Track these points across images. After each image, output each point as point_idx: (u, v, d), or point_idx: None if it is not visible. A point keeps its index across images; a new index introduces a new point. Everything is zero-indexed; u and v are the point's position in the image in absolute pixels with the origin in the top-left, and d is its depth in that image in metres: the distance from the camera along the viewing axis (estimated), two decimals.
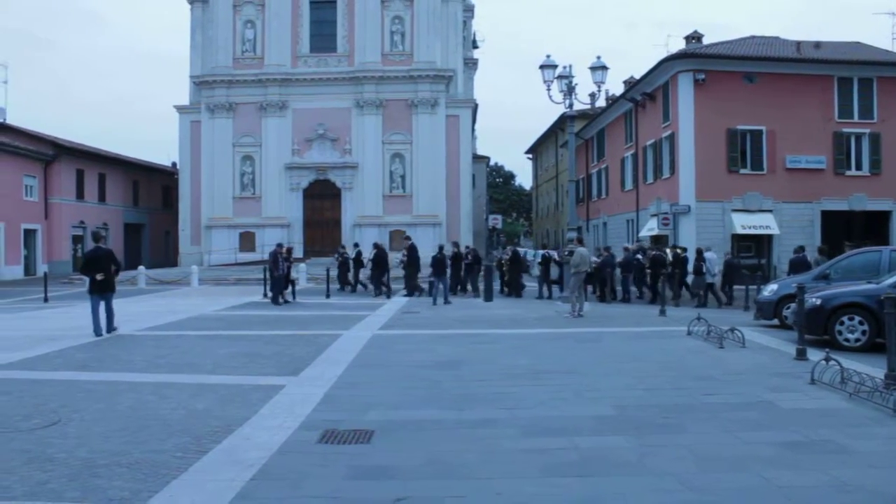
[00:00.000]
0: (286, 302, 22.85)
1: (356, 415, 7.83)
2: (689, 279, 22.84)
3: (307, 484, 5.65)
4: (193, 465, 6.09)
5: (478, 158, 60.53)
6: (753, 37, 36.06)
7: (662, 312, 18.47)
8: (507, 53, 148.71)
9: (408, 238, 26.54)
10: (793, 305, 14.29)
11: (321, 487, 5.58)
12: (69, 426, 7.41)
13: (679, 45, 49.82)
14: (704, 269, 22.09)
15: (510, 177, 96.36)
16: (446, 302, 22.18)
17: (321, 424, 7.40)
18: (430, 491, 5.51)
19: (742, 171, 30.67)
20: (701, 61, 30.94)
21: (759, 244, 31.01)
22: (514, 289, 25.72)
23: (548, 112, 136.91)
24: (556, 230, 60.42)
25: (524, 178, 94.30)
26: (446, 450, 6.56)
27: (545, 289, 24.77)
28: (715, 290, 22.57)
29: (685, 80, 30.71)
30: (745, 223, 30.26)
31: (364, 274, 27.63)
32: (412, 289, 25.23)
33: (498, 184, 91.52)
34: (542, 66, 21.22)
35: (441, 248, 24.48)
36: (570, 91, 21.31)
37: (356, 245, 30.03)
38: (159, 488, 5.52)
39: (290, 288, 23.96)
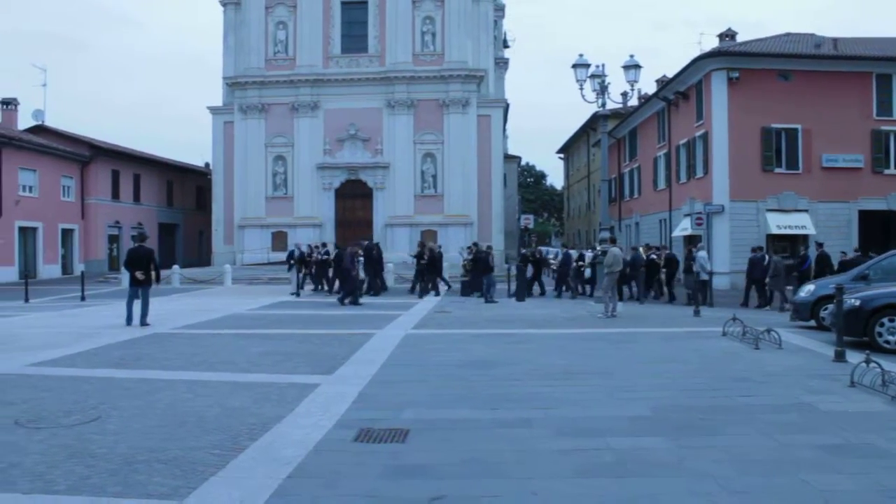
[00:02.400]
0: (358, 304, 21.83)
1: (391, 414, 7.84)
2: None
3: (343, 482, 5.67)
4: (230, 462, 6.14)
5: (509, 158, 60.43)
6: (788, 34, 35.57)
7: (697, 313, 18.31)
8: (538, 53, 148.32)
9: (421, 244, 26.83)
10: (830, 307, 14.07)
11: (357, 486, 5.59)
12: (108, 422, 7.50)
13: (712, 43, 49.51)
14: (695, 268, 22.07)
15: (541, 176, 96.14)
16: (490, 300, 22.36)
17: (356, 423, 7.42)
18: (466, 490, 5.50)
19: (777, 170, 30.29)
20: (734, 59, 30.59)
21: (794, 245, 30.62)
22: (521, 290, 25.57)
23: (579, 111, 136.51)
24: (587, 230, 60.13)
25: (555, 177, 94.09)
26: (481, 449, 6.54)
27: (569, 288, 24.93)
28: (710, 288, 22.88)
29: (719, 78, 30.40)
30: (780, 223, 29.89)
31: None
32: (429, 289, 25.58)
33: (529, 184, 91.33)
34: (574, 66, 21.13)
35: (489, 247, 24.59)
36: (602, 90, 21.19)
37: (324, 244, 30.16)
38: (197, 485, 5.57)
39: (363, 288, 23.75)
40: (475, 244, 28.03)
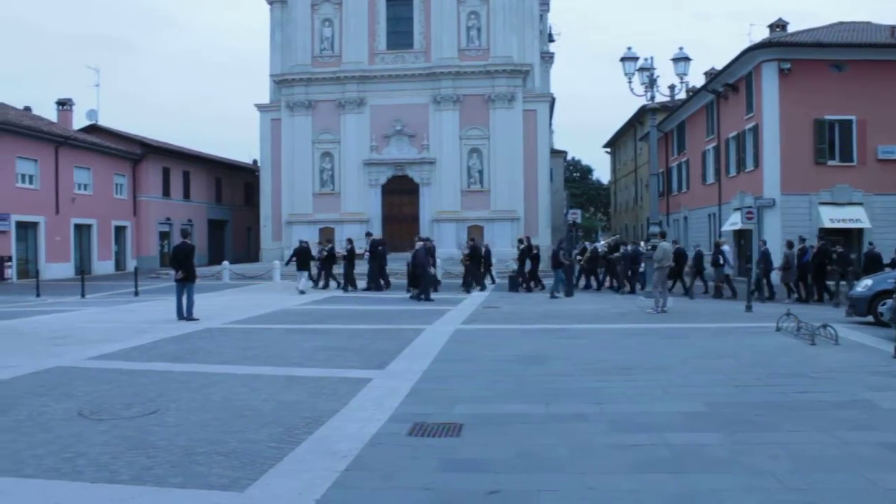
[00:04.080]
0: (429, 299, 21.76)
1: (444, 408, 7.86)
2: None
3: (400, 475, 5.71)
4: (288, 454, 6.21)
5: (555, 153, 60.13)
6: (841, 23, 34.78)
7: (749, 308, 18.04)
8: (582, 47, 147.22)
9: (472, 239, 26.73)
10: (889, 301, 13.78)
11: (414, 479, 5.62)
12: (167, 415, 7.64)
13: (762, 34, 48.67)
14: (722, 261, 22.38)
15: (587, 171, 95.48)
16: (567, 294, 22.58)
17: (410, 417, 7.45)
18: (522, 484, 5.50)
19: (830, 162, 29.67)
20: (786, 50, 30.03)
21: (848, 238, 29.97)
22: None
23: (625, 105, 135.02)
24: (634, 225, 59.60)
25: (602, 172, 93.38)
26: (536, 444, 6.53)
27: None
28: (730, 281, 23.38)
29: (769, 69, 29.87)
30: (833, 217, 29.28)
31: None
32: (471, 284, 25.57)
33: (575, 178, 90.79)
34: (623, 59, 20.93)
35: (560, 242, 24.70)
36: (651, 83, 20.95)
37: (329, 240, 30.25)
38: (256, 476, 5.65)
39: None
40: (527, 238, 27.97)
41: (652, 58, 21.01)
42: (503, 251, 32.91)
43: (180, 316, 16.66)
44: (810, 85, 29.28)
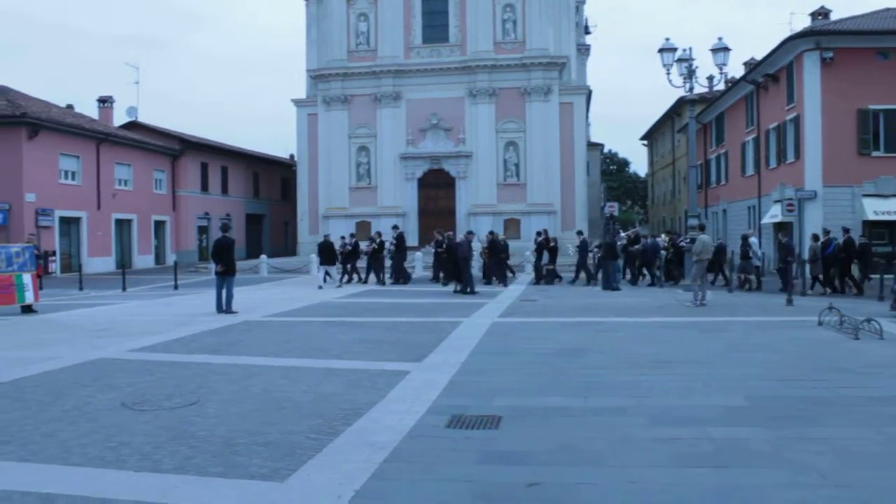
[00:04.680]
0: (474, 292, 21.68)
1: (482, 401, 7.85)
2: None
3: (439, 467, 5.71)
4: (327, 446, 6.25)
5: (591, 146, 59.71)
6: (888, 9, 33.95)
7: (789, 302, 17.77)
8: (618, 38, 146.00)
9: (491, 233, 26.89)
10: None
11: (453, 471, 5.62)
12: (208, 406, 7.72)
13: (803, 22, 47.89)
14: (751, 254, 22.50)
15: (624, 164, 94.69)
16: (614, 288, 22.67)
17: (448, 410, 7.45)
18: (563, 477, 5.47)
19: (875, 153, 29.04)
20: (828, 38, 29.42)
21: (892, 231, 29.38)
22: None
23: (662, 97, 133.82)
24: (672, 217, 58.99)
25: (639, 165, 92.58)
26: (576, 437, 6.49)
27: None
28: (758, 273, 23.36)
29: (811, 59, 29.30)
30: (878, 209, 28.68)
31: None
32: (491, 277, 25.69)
33: (612, 171, 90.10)
34: (661, 50, 20.70)
35: (612, 236, 24.72)
36: (690, 74, 20.70)
37: (352, 234, 30.26)
38: (296, 467, 5.69)
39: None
40: (545, 231, 27.87)
41: (690, 48, 20.74)
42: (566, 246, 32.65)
43: (220, 309, 16.85)
44: (854, 74, 28.68)
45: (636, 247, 26.02)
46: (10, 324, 15.84)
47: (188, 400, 7.99)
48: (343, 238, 28.69)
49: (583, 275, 25.96)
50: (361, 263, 27.76)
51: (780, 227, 31.46)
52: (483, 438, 6.50)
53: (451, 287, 23.15)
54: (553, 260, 26.63)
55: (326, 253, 25.90)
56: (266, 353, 11.24)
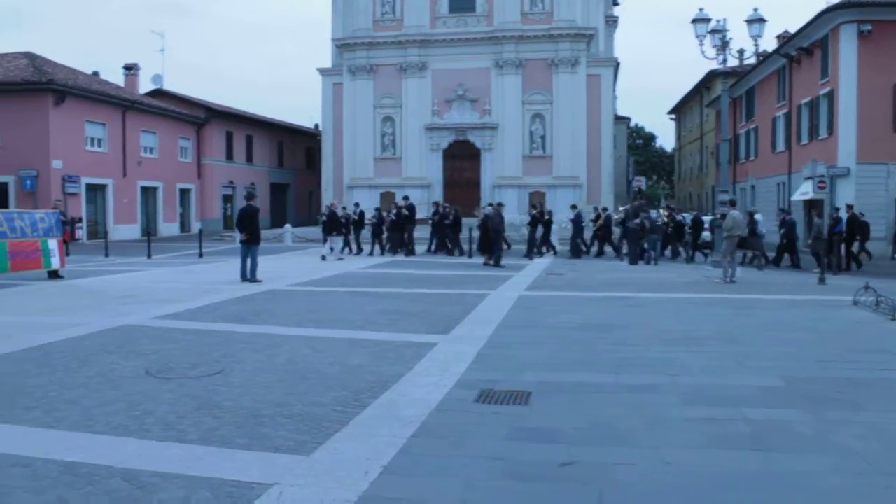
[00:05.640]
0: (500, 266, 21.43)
1: (511, 375, 7.69)
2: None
3: (468, 443, 5.56)
4: (353, 419, 6.12)
5: (618, 119, 59.03)
6: None
7: (822, 280, 17.42)
8: (645, 10, 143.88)
9: (536, 205, 26.22)
10: None
11: (483, 448, 5.46)
12: (232, 375, 7.62)
13: None
14: (758, 230, 22.42)
15: (651, 138, 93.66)
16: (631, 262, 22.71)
17: (476, 384, 7.30)
18: (596, 456, 5.30)
19: None
20: (866, 11, 28.66)
21: None
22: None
23: (689, 70, 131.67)
24: (699, 193, 58.35)
25: (665, 139, 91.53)
26: (608, 415, 6.32)
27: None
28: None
29: (848, 32, 28.63)
30: None
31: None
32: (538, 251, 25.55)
33: (638, 145, 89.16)
34: (694, 20, 20.18)
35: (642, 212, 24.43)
36: (723, 46, 20.20)
37: (356, 204, 29.74)
38: (323, 440, 5.56)
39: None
40: (540, 204, 27.72)
41: (725, 19, 20.21)
42: (564, 218, 32.32)
43: (244, 277, 16.79)
44: (892, 48, 27.96)
45: (635, 221, 25.62)
46: (36, 289, 15.88)
47: (213, 369, 7.89)
48: (345, 208, 28.23)
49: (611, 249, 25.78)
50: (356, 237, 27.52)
51: (812, 205, 30.99)
52: (513, 414, 6.34)
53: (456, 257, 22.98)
54: (547, 233, 26.38)
55: (332, 222, 25.02)
56: (291, 322, 11.14)
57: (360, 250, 27.08)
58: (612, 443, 5.62)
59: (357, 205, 29.64)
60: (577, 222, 25.89)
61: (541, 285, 16.56)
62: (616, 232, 27.10)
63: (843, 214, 22.65)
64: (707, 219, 26.19)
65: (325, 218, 25.48)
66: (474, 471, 5.00)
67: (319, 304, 13.34)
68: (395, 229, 26.50)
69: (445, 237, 26.76)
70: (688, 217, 27.40)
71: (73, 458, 5.13)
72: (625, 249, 25.00)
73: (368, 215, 28.61)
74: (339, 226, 25.07)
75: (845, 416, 6.36)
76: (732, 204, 19.06)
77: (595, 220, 26.90)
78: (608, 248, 26.67)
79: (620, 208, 30.56)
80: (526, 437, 5.73)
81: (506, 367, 8.10)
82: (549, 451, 5.39)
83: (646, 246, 23.37)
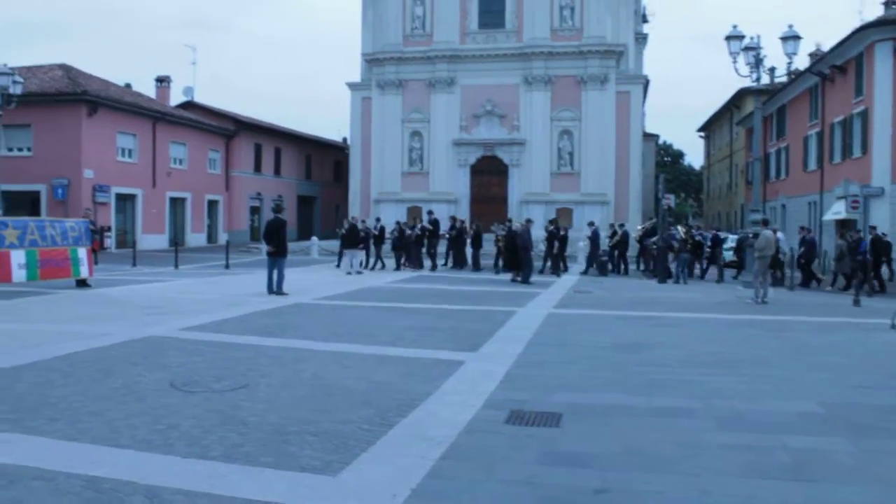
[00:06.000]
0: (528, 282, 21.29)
1: (541, 396, 7.51)
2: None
3: (499, 466, 5.39)
4: (381, 438, 5.97)
5: (646, 136, 58.63)
6: None
7: (857, 303, 17.08)
8: (674, 28, 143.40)
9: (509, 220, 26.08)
10: None
11: (515, 472, 5.29)
12: (258, 390, 7.51)
13: (876, 11, 46.21)
14: (780, 250, 21.89)
15: (678, 156, 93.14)
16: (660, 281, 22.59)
17: (506, 404, 7.13)
18: (631, 484, 5.11)
19: None
20: None
21: None
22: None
23: (717, 88, 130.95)
24: (727, 212, 57.84)
25: (693, 156, 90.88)
26: (642, 439, 6.12)
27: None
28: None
29: (883, 49, 28.20)
30: None
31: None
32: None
33: (666, 163, 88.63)
34: (728, 37, 19.96)
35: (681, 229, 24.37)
36: (757, 63, 19.96)
37: (377, 219, 29.82)
38: (349, 460, 5.41)
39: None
40: (555, 220, 27.58)
41: (759, 36, 19.97)
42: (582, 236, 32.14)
43: (270, 290, 16.74)
44: None
45: (652, 239, 25.51)
46: (64, 297, 15.95)
47: (238, 383, 7.78)
48: (364, 222, 28.19)
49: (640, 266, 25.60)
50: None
51: (843, 225, 30.50)
52: (544, 437, 6.16)
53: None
54: (563, 249, 26.19)
55: (351, 236, 24.64)
56: (317, 336, 11.02)
57: (382, 265, 26.85)
58: (646, 469, 5.42)
59: (378, 219, 29.62)
60: (594, 239, 25.67)
61: (569, 303, 16.36)
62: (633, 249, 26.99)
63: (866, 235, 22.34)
64: (733, 237, 26.01)
65: (343, 232, 25.48)
66: (506, 496, 4.84)
67: (346, 318, 13.23)
68: (417, 244, 26.41)
69: (459, 251, 26.94)
70: (707, 235, 27.08)
71: (97, 472, 5.02)
72: (641, 266, 24.92)
73: (389, 230, 28.47)
74: (360, 240, 24.94)
75: (889, 445, 6.11)
76: (765, 223, 18.76)
77: (611, 237, 26.71)
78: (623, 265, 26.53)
79: (638, 227, 30.30)
80: (558, 461, 5.55)
81: (535, 387, 7.92)
82: (582, 477, 5.21)
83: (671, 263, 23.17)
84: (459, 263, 26.90)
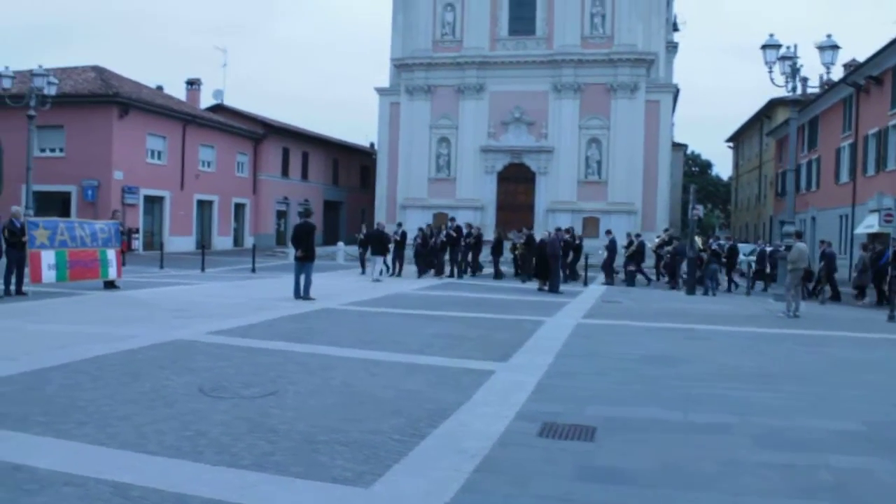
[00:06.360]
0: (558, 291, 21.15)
1: (574, 408, 7.36)
2: None
3: (535, 482, 5.25)
4: (413, 450, 5.85)
5: (675, 146, 58.23)
6: None
7: (892, 318, 16.74)
8: (704, 37, 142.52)
9: (562, 229, 25.60)
10: None
11: (550, 487, 5.16)
12: (286, 397, 7.42)
13: None
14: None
15: (706, 166, 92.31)
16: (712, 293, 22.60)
17: (538, 416, 6.98)
18: (671, 502, 4.96)
19: None
20: None
21: None
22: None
23: (746, 97, 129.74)
24: (756, 223, 57.22)
25: (722, 167, 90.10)
26: (679, 455, 5.95)
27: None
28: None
29: None
30: None
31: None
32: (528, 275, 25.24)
33: (694, 173, 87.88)
34: (764, 46, 19.68)
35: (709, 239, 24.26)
36: (793, 73, 19.67)
37: (399, 224, 29.96)
38: (382, 472, 5.30)
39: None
40: (572, 228, 27.61)
41: (795, 45, 19.68)
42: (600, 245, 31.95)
43: (297, 295, 16.68)
44: None
45: (667, 248, 25.34)
46: (92, 299, 15.99)
47: (267, 389, 7.70)
48: (380, 225, 28.01)
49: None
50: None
51: (875, 239, 30.02)
52: (578, 451, 6.02)
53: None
54: (577, 258, 26.08)
55: (378, 242, 24.40)
56: (345, 343, 10.93)
57: (399, 271, 26.52)
58: (686, 487, 5.26)
59: (400, 224, 29.54)
60: (612, 249, 25.46)
61: (598, 313, 16.17)
62: (651, 258, 26.83)
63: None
64: (746, 248, 25.86)
65: (362, 237, 25.46)
66: None
67: (373, 325, 13.15)
68: (442, 251, 26.28)
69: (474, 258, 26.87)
70: (725, 245, 26.71)
71: (125, 479, 4.94)
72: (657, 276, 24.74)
73: (412, 235, 28.34)
74: (383, 246, 24.62)
75: None
76: (798, 236, 18.48)
77: (627, 247, 26.49)
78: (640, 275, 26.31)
79: (656, 237, 30.04)
80: (594, 477, 5.41)
81: (567, 399, 7.78)
82: (619, 495, 5.07)
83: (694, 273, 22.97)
84: (474, 270, 26.78)
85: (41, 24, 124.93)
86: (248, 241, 42.59)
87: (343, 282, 22.76)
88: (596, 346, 11.55)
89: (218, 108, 47.41)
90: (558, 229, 23.22)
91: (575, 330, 13.15)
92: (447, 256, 26.31)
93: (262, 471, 5.25)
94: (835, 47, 19.11)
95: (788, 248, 18.05)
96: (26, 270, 16.19)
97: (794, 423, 7.13)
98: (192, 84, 46.57)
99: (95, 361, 8.85)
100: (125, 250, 22.22)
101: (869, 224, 30.62)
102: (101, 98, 34.13)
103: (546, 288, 21.26)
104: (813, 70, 19.47)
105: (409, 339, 11.49)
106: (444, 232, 26.63)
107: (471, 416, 6.90)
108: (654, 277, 26.59)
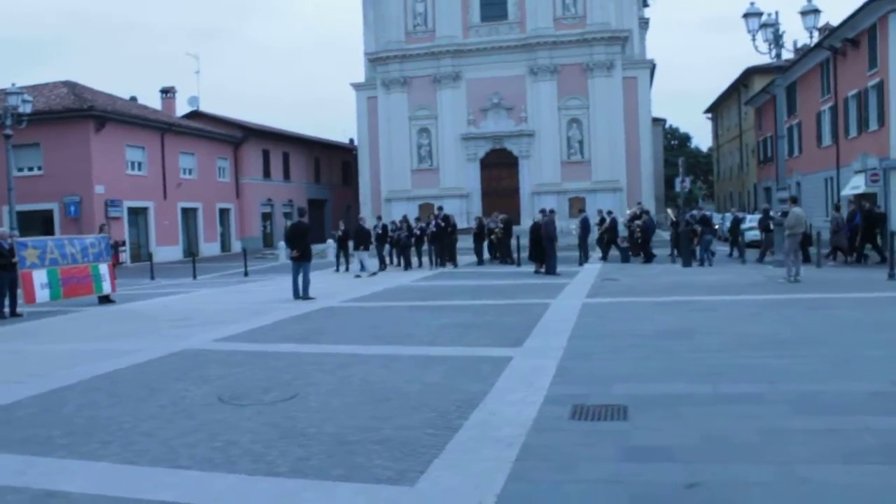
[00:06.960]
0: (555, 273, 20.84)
1: (600, 388, 7.27)
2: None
3: (579, 466, 5.15)
4: (448, 442, 5.74)
5: (654, 121, 58.20)
6: None
7: (892, 276, 16.77)
8: (672, 11, 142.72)
9: (546, 211, 25.07)
10: None
11: (597, 470, 5.06)
12: (308, 399, 7.29)
13: None
14: (772, 226, 21.89)
15: (686, 139, 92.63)
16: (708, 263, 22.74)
17: (566, 399, 6.89)
18: (722, 475, 4.87)
19: None
20: None
21: None
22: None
23: (719, 68, 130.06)
24: (740, 192, 57.42)
25: (700, 139, 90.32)
26: (718, 427, 5.87)
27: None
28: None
29: None
30: None
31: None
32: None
33: (673, 146, 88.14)
34: (745, 15, 19.63)
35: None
36: (776, 40, 19.63)
37: (378, 217, 29.14)
38: (423, 468, 5.19)
39: None
40: (551, 210, 27.47)
41: (777, 12, 19.64)
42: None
43: (296, 295, 16.53)
44: None
45: (637, 223, 25.39)
46: (90, 315, 15.78)
47: (286, 393, 7.57)
48: (362, 219, 27.52)
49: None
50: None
51: (863, 199, 30.15)
52: (615, 431, 5.93)
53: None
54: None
55: (361, 237, 23.89)
56: (355, 340, 10.81)
57: (382, 266, 25.87)
58: (733, 460, 5.18)
59: (379, 218, 29.26)
60: (584, 226, 25.37)
61: (600, 292, 16.10)
62: (622, 233, 26.73)
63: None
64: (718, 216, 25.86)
65: (340, 234, 25.32)
66: (596, 496, 4.61)
67: (379, 320, 13.01)
68: (431, 242, 26.07)
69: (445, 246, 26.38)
70: (695, 214, 26.56)
71: (164, 496, 4.81)
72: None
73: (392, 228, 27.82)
74: (365, 241, 24.01)
75: None
76: (794, 201, 18.46)
77: (600, 224, 26.45)
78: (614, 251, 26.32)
79: (627, 211, 30.11)
80: (638, 456, 5.31)
81: (591, 379, 7.69)
82: (667, 472, 4.98)
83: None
84: (451, 258, 26.33)
85: (4, 42, 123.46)
86: (236, 246, 42.34)
87: (338, 279, 22.56)
88: (607, 324, 11.47)
89: (195, 115, 46.98)
90: (552, 211, 23.02)
91: (582, 310, 13.06)
92: (425, 247, 26.22)
93: (302, 477, 5.12)
94: (816, 11, 19.07)
95: (784, 214, 18.03)
96: (19, 292, 15.95)
97: (825, 388, 7.08)
98: (167, 92, 46.08)
99: (108, 378, 8.68)
100: (115, 264, 21.95)
101: (855, 185, 30.74)
102: (76, 113, 33.67)
103: (543, 270, 21.17)
104: (788, 36, 19.62)
105: (419, 332, 11.38)
106: (433, 222, 26.42)
107: (499, 404, 6.80)
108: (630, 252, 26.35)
